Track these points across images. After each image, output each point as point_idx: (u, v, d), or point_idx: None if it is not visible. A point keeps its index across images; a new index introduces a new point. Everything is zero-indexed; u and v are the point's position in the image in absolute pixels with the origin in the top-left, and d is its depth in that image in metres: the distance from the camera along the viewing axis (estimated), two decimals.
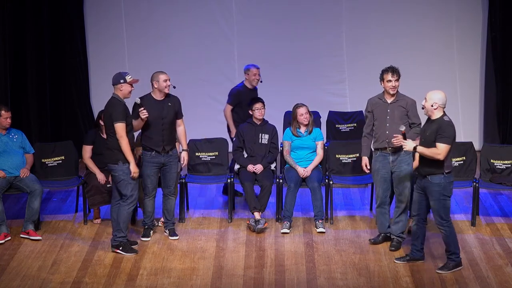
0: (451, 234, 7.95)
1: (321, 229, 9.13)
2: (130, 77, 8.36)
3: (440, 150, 7.71)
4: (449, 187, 7.87)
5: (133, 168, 8.31)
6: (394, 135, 8.13)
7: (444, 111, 7.86)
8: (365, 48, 12.54)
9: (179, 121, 8.91)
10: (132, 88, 8.40)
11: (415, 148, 7.82)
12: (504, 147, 10.07)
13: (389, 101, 8.51)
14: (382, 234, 8.74)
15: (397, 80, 8.46)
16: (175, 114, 8.82)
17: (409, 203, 8.52)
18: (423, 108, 7.90)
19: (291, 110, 9.57)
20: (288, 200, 9.26)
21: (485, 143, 10.52)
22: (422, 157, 7.89)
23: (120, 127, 8.24)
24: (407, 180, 8.49)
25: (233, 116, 10.10)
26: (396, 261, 8.24)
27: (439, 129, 7.72)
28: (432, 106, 7.80)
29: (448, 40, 12.54)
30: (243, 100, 10.00)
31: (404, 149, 7.99)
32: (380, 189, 8.65)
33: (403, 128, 8.04)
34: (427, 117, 7.94)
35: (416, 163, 9.13)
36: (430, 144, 7.78)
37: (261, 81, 10.06)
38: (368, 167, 8.74)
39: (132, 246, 8.61)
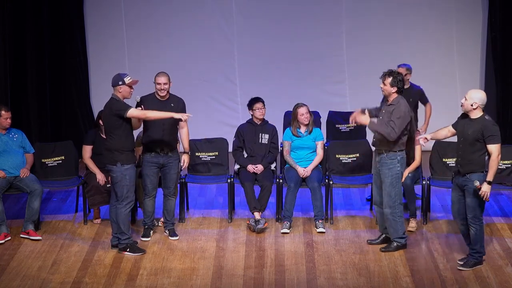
0: (480, 233, 8.02)
1: (321, 229, 9.13)
2: (129, 78, 8.36)
3: (496, 151, 7.80)
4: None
5: (173, 114, 8.40)
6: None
7: (483, 111, 7.90)
8: (365, 48, 12.54)
9: (182, 123, 8.89)
10: (132, 90, 8.40)
11: (490, 183, 7.83)
12: (504, 147, 10.05)
13: (387, 103, 8.50)
14: (383, 235, 8.73)
15: (384, 84, 8.38)
16: None
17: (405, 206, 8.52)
18: (462, 106, 7.96)
19: (291, 110, 9.57)
20: (288, 200, 9.26)
21: None
22: (462, 157, 7.93)
23: (135, 111, 8.24)
24: (386, 186, 8.43)
25: None
26: (460, 265, 8.13)
27: (485, 130, 7.81)
28: (472, 105, 7.86)
29: (448, 40, 12.55)
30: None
31: (357, 123, 8.33)
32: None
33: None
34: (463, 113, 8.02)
35: (416, 163, 9.15)
36: (472, 142, 7.86)
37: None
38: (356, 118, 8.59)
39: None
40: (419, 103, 10.17)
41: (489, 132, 7.81)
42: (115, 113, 8.23)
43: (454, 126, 8.13)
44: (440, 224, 9.39)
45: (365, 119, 8.34)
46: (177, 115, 8.40)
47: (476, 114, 7.90)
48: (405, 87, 9.78)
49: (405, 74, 9.81)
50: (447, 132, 8.22)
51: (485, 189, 7.83)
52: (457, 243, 8.78)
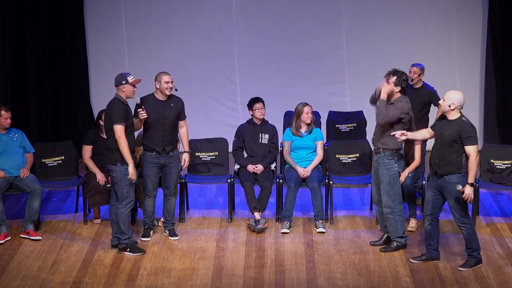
0: (472, 232, 8.03)
1: (321, 229, 9.13)
2: (132, 77, 8.36)
3: (473, 153, 7.79)
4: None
5: (131, 170, 8.30)
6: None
7: (461, 112, 7.90)
8: (365, 48, 12.54)
9: (181, 123, 8.91)
10: (135, 89, 8.40)
11: (472, 185, 7.79)
12: (504, 147, 10.07)
13: (389, 102, 8.49)
14: (385, 235, 8.72)
15: (388, 83, 8.37)
16: (177, 115, 8.82)
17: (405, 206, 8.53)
18: (439, 106, 7.98)
19: (291, 110, 9.56)
20: (288, 200, 9.26)
21: (485, 143, 10.53)
22: (439, 158, 7.93)
23: (119, 129, 8.24)
24: (385, 186, 8.43)
25: None
26: (412, 261, 8.23)
27: (462, 131, 7.80)
28: (449, 106, 7.86)
29: (448, 40, 12.55)
30: None
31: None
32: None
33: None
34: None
35: (416, 163, 9.13)
36: (449, 143, 7.86)
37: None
38: None
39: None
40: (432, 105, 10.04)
41: (466, 134, 7.80)
42: (110, 117, 8.27)
43: (432, 128, 8.13)
44: (440, 224, 9.34)
45: (385, 90, 8.24)
46: (132, 170, 8.28)
47: (454, 115, 7.88)
48: (417, 86, 9.83)
49: (419, 74, 9.80)
50: (426, 133, 8.25)
51: (468, 191, 7.83)
52: (457, 243, 8.78)
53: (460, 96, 7.88)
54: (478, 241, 8.11)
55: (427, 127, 9.75)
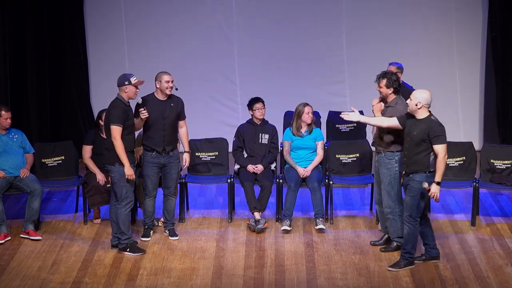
0: (413, 234, 8.01)
1: (321, 226, 9.10)
2: (135, 78, 8.36)
3: (442, 152, 7.79)
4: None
5: (127, 171, 8.29)
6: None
7: (429, 111, 7.87)
8: (365, 48, 12.54)
9: (181, 123, 8.91)
10: (138, 90, 8.41)
11: (439, 183, 7.83)
12: (504, 147, 10.07)
13: (386, 105, 8.49)
14: (386, 236, 8.72)
15: (380, 87, 8.39)
16: (178, 115, 8.82)
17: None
18: (407, 106, 7.96)
19: (291, 110, 9.56)
20: (288, 200, 9.26)
21: (485, 143, 10.52)
22: (407, 157, 7.93)
23: (115, 130, 8.24)
24: (385, 186, 8.42)
25: None
26: (389, 269, 8.19)
27: (430, 131, 7.78)
28: (416, 105, 7.84)
29: (448, 40, 12.54)
30: None
31: (346, 119, 8.22)
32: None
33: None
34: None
35: None
36: (417, 142, 7.85)
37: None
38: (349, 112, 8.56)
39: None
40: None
41: (435, 133, 7.79)
42: (108, 116, 8.27)
43: (400, 120, 8.07)
44: (440, 224, 9.39)
45: (354, 116, 8.31)
46: (128, 170, 8.30)
47: (422, 114, 7.88)
48: None
49: (396, 73, 9.84)
50: (384, 120, 8.19)
51: (434, 190, 7.83)
52: (457, 243, 8.78)
53: (427, 95, 7.88)
54: (415, 246, 8.06)
55: None
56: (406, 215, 8.00)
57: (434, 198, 7.87)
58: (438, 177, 7.82)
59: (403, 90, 9.90)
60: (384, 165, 8.40)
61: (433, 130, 7.78)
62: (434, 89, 12.31)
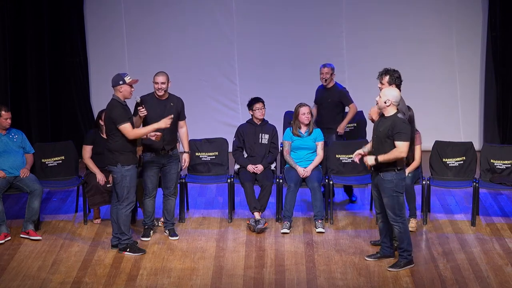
0: (405, 231, 7.99)
1: (320, 229, 9.12)
2: (129, 78, 8.36)
3: (401, 148, 7.78)
4: (401, 184, 7.94)
5: (164, 124, 8.33)
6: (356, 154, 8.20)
7: (398, 109, 7.88)
8: (365, 49, 12.54)
9: (181, 123, 8.91)
10: (132, 89, 8.40)
11: (376, 160, 7.85)
12: (504, 147, 10.07)
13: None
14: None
15: (382, 83, 8.38)
16: (177, 115, 8.82)
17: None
18: (376, 104, 7.97)
19: (291, 110, 9.57)
20: (288, 200, 9.26)
21: (485, 143, 10.51)
22: (375, 155, 7.92)
23: (125, 128, 8.23)
24: (381, 190, 8.35)
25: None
26: (367, 259, 8.24)
27: (394, 127, 7.79)
28: (385, 102, 7.86)
29: (448, 40, 12.54)
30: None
31: (367, 164, 8.01)
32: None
33: (366, 150, 8.14)
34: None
35: (416, 163, 9.12)
36: (382, 139, 7.86)
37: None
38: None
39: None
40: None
41: (397, 129, 7.77)
42: (112, 119, 8.26)
43: (374, 125, 8.11)
44: (440, 224, 9.39)
45: (371, 160, 7.96)
46: (159, 125, 8.36)
47: (389, 111, 7.88)
48: (329, 86, 10.06)
49: (331, 74, 10.07)
50: (399, 149, 8.05)
51: (368, 160, 7.86)
52: (457, 243, 8.78)
53: (396, 93, 7.89)
54: (410, 242, 8.06)
55: (341, 128, 9.94)
56: (390, 216, 7.97)
57: (357, 159, 8.04)
58: (381, 157, 7.79)
59: (334, 91, 10.09)
60: (383, 183, 8.24)
61: (396, 127, 7.77)
62: (434, 90, 12.40)
